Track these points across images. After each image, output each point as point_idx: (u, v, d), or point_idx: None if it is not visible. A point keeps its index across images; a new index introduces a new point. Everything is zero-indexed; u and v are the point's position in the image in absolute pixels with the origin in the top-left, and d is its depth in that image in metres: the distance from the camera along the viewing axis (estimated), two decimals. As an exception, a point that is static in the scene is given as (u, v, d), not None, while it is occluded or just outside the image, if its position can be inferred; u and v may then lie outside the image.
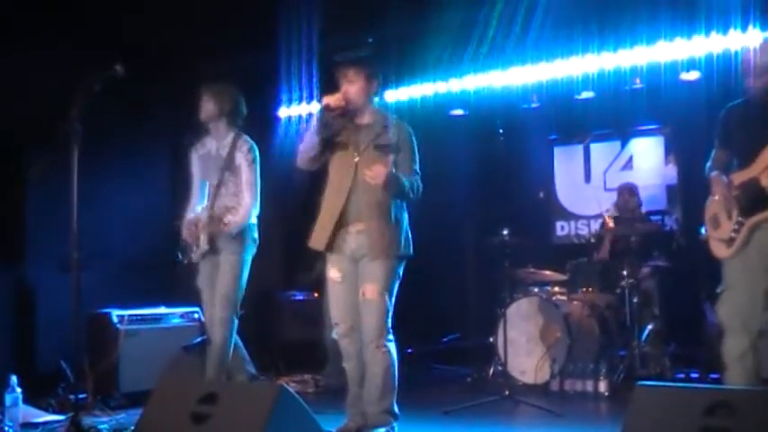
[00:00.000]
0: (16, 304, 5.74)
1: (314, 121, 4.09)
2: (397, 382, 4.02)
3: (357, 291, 4.05)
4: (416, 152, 4.17)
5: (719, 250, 3.85)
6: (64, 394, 5.01)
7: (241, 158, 4.77)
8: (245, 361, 5.03)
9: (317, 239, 4.12)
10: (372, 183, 3.89)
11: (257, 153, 4.83)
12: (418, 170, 4.15)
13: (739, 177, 3.79)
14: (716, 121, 4.04)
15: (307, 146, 4.10)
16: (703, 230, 4.03)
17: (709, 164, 4.03)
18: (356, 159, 4.04)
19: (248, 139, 4.84)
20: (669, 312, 6.18)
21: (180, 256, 4.93)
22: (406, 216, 4.15)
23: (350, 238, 4.05)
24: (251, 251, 4.84)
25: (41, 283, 5.94)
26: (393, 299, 4.03)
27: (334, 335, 4.25)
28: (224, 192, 4.78)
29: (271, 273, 4.92)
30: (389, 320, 4.00)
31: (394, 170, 3.94)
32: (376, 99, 4.23)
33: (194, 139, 5.03)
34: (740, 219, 3.74)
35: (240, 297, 4.77)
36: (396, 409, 4.03)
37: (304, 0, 6.59)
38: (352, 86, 4.06)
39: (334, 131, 4.08)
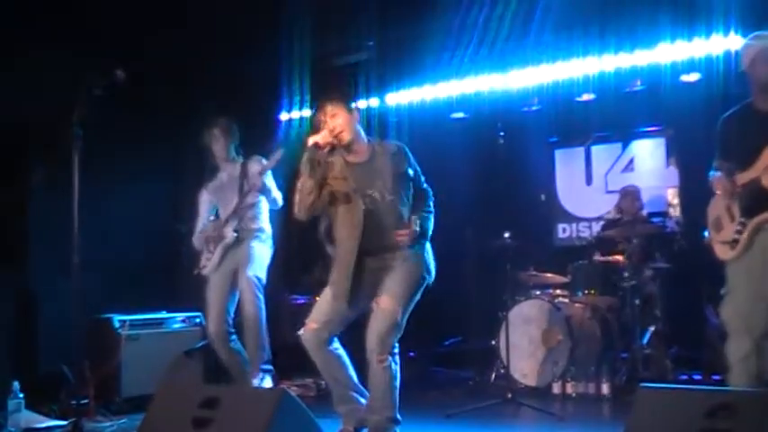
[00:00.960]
0: (18, 309, 5.74)
1: (304, 165, 3.96)
2: (397, 393, 3.97)
3: (348, 311, 3.99)
4: (416, 164, 4.15)
5: (723, 252, 3.85)
6: (66, 399, 5.00)
7: (256, 169, 5.05)
8: (245, 366, 5.11)
9: (340, 293, 4.00)
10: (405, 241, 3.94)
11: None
12: (424, 180, 4.19)
13: (741, 179, 3.80)
14: (715, 133, 4.04)
15: (303, 192, 3.98)
16: (706, 234, 4.03)
17: (712, 173, 4.03)
18: (367, 202, 3.95)
19: (254, 157, 5.20)
20: (671, 314, 6.17)
21: (187, 262, 5.32)
22: (428, 245, 4.18)
23: (373, 262, 4.00)
24: (269, 254, 5.23)
25: (43, 287, 5.94)
26: (405, 318, 3.95)
27: (301, 332, 4.11)
28: (244, 214, 5.15)
29: (271, 276, 4.92)
30: (397, 337, 3.91)
31: (417, 227, 3.98)
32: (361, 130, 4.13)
33: (204, 179, 5.37)
34: (742, 220, 3.75)
35: (265, 277, 5.11)
36: (398, 415, 4.01)
37: (305, 4, 6.60)
38: (335, 120, 3.97)
39: (326, 171, 3.98)
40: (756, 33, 4.00)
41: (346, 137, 3.97)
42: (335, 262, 4.07)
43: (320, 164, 3.94)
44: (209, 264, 5.19)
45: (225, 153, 5.28)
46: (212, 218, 5.35)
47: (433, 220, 4.16)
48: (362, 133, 4.11)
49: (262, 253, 5.19)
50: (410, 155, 4.13)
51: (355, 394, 4.08)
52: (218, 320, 5.12)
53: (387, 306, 3.87)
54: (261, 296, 5.09)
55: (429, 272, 4.13)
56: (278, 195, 5.17)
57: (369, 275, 3.99)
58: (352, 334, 4.12)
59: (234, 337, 5.19)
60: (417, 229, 3.97)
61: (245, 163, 5.22)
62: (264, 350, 5.13)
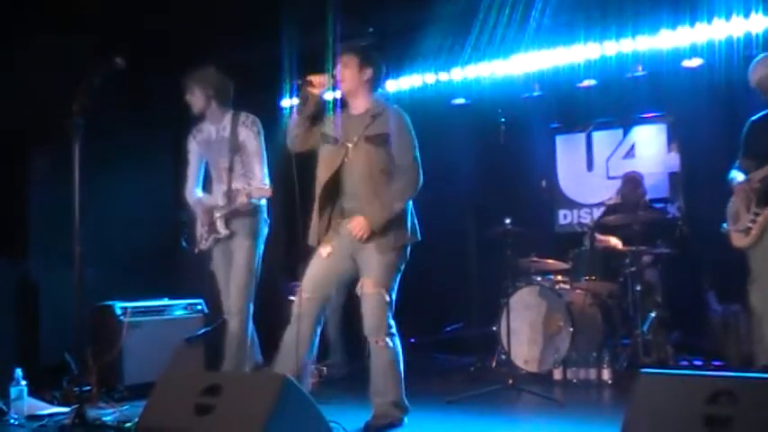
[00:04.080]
0: (20, 297, 5.74)
1: (297, 100, 4.05)
2: (402, 375, 3.99)
3: (337, 270, 4.05)
4: (415, 140, 4.08)
5: (738, 240, 3.97)
6: (68, 386, 5.02)
7: (245, 132, 4.79)
8: (253, 348, 5.02)
9: (312, 235, 4.11)
10: (357, 237, 3.90)
11: (260, 125, 4.86)
12: (418, 158, 4.06)
13: (759, 174, 3.92)
14: (740, 134, 4.22)
15: (291, 125, 4.08)
16: (725, 225, 4.12)
17: (733, 171, 4.15)
18: (347, 149, 3.98)
19: (248, 113, 4.87)
20: (672, 300, 6.18)
21: (185, 244, 4.98)
22: (409, 202, 4.08)
23: (347, 229, 4.01)
24: (263, 233, 4.90)
25: (45, 276, 5.95)
26: (394, 292, 4.00)
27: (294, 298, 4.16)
28: (234, 175, 4.82)
29: (274, 263, 4.91)
30: (390, 315, 3.96)
31: (373, 217, 3.90)
32: (378, 90, 4.15)
33: (192, 127, 5.03)
34: (757, 210, 3.85)
35: (255, 284, 4.84)
36: (405, 401, 4.02)
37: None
38: (345, 71, 4.02)
39: (317, 110, 4.02)
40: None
41: (346, 87, 4.02)
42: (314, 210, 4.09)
43: (309, 101, 3.97)
44: (211, 237, 4.91)
45: (204, 105, 4.87)
46: (200, 195, 5.01)
47: (407, 198, 4.03)
48: (372, 93, 4.10)
49: (253, 253, 4.83)
50: (412, 131, 4.08)
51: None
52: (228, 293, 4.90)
53: (370, 290, 3.93)
54: (248, 306, 4.81)
55: (410, 233, 4.07)
56: (261, 163, 4.80)
57: (344, 235, 4.01)
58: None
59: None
60: (370, 225, 3.91)
61: (235, 120, 4.83)
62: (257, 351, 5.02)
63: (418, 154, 4.08)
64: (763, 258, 3.86)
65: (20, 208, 6.07)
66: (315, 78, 3.95)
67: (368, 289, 3.93)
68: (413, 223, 4.09)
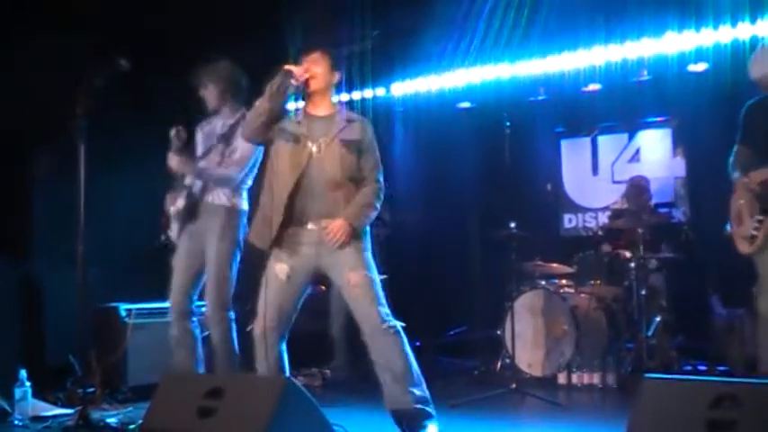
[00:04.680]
0: (24, 299, 5.75)
1: (269, 87, 3.76)
2: (416, 366, 3.73)
3: (299, 291, 3.82)
4: (377, 151, 3.93)
5: (743, 246, 3.94)
6: (72, 388, 5.02)
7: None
8: (197, 351, 4.70)
9: (260, 236, 3.84)
10: (334, 241, 3.68)
11: None
12: (380, 168, 3.91)
13: (759, 175, 3.86)
14: (738, 118, 4.10)
15: (256, 112, 3.80)
16: (728, 227, 4.09)
17: (731, 159, 4.08)
18: (312, 151, 3.77)
19: None
20: (676, 305, 6.17)
21: (162, 237, 4.77)
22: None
23: (310, 234, 3.77)
24: (239, 239, 4.56)
25: (49, 277, 5.96)
26: (378, 278, 3.78)
27: (255, 328, 3.86)
28: (210, 158, 4.60)
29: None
30: (384, 301, 3.74)
31: (351, 220, 3.72)
32: (335, 95, 4.02)
33: (202, 118, 4.87)
34: (760, 217, 3.82)
35: (231, 291, 4.54)
36: (426, 392, 3.74)
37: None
38: (314, 67, 3.83)
39: (285, 103, 3.83)
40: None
41: (314, 86, 3.84)
42: (273, 208, 3.80)
43: (282, 92, 3.77)
44: (175, 226, 4.71)
45: (217, 101, 4.71)
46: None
47: (375, 211, 3.86)
48: (334, 97, 4.02)
49: (225, 259, 4.53)
50: (370, 133, 3.92)
51: None
52: (178, 292, 4.60)
53: (360, 279, 3.70)
54: (227, 314, 4.53)
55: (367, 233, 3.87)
56: (239, 168, 4.54)
57: (307, 243, 3.78)
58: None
59: (195, 320, 4.66)
60: (351, 225, 3.72)
61: (242, 117, 4.46)
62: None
63: (380, 166, 3.92)
64: None
65: (23, 208, 6.08)
66: (295, 69, 3.78)
67: (357, 279, 3.70)
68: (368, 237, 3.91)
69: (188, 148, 4.74)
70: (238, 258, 4.59)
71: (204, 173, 4.57)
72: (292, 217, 3.78)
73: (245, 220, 4.61)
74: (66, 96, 4.17)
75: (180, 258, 4.63)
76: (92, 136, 4.16)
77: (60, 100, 4.23)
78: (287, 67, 3.77)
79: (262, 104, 3.79)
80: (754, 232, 3.85)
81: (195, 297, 4.65)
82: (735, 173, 4.05)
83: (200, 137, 4.80)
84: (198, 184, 4.62)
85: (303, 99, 3.99)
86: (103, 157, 4.69)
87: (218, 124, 4.72)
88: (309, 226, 3.78)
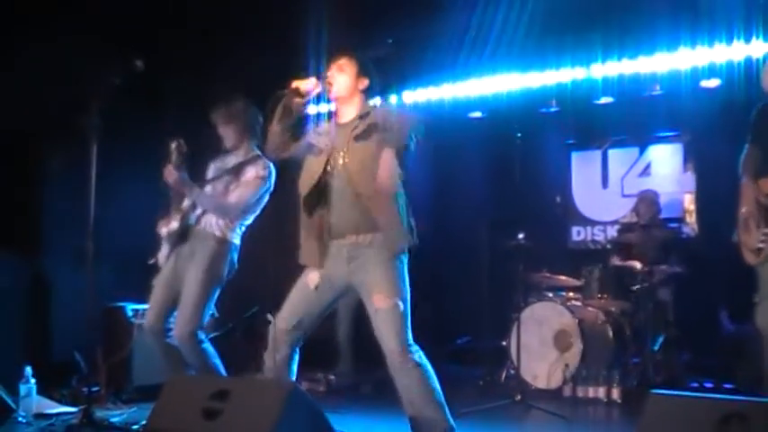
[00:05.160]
0: (32, 296, 5.77)
1: (277, 108, 3.65)
2: (439, 391, 3.58)
3: (324, 304, 3.69)
4: (413, 120, 3.75)
5: (749, 257, 3.91)
6: (77, 386, 5.04)
7: (251, 172, 4.47)
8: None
9: (306, 254, 3.69)
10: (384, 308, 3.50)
11: (272, 176, 4.47)
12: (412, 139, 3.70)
13: (766, 185, 3.82)
14: (748, 121, 4.05)
15: (271, 135, 3.70)
16: (735, 237, 4.06)
17: (742, 158, 4.03)
18: (332, 162, 3.61)
19: (268, 162, 4.45)
20: (684, 320, 6.15)
21: (152, 260, 4.67)
22: (403, 202, 3.72)
23: (341, 251, 3.62)
24: (222, 273, 4.46)
25: (57, 275, 5.97)
26: (408, 306, 3.58)
27: (271, 318, 3.76)
28: (214, 186, 4.54)
29: (281, 270, 4.74)
30: (408, 327, 3.56)
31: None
32: (368, 100, 3.80)
33: (218, 154, 4.79)
34: (766, 230, 3.78)
35: (203, 321, 4.40)
36: (450, 420, 3.62)
37: (323, 1, 6.60)
38: (340, 75, 3.69)
39: (297, 121, 3.69)
40: None
41: (335, 93, 3.69)
42: (303, 227, 3.68)
43: (291, 111, 3.64)
44: (163, 250, 4.65)
45: (237, 140, 4.60)
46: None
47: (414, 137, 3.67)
48: (364, 103, 3.77)
49: (205, 289, 4.40)
50: (392, 109, 3.84)
51: None
52: (154, 312, 4.47)
53: (385, 304, 3.51)
54: (195, 332, 4.35)
55: (409, 233, 3.69)
56: (241, 204, 4.45)
57: (336, 257, 3.63)
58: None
59: (171, 333, 4.45)
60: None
61: (252, 159, 4.51)
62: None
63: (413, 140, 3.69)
64: None
65: (33, 206, 6.10)
66: (301, 87, 3.65)
67: (382, 303, 3.51)
68: (410, 223, 3.73)
69: (188, 164, 4.63)
70: (217, 292, 4.47)
71: (204, 198, 4.47)
72: (325, 231, 3.64)
73: (234, 255, 4.52)
74: (79, 95, 4.18)
75: (162, 278, 4.52)
76: (103, 135, 4.16)
77: (73, 99, 4.25)
78: (293, 84, 3.66)
79: (273, 127, 3.68)
80: (761, 245, 3.82)
81: (171, 317, 4.49)
82: (744, 176, 4.01)
83: (211, 170, 4.71)
84: (197, 210, 4.53)
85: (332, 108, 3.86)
86: (114, 157, 4.69)
87: (231, 160, 4.64)
88: (341, 241, 3.61)
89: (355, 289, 3.66)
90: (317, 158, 3.67)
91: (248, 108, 4.66)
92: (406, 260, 3.66)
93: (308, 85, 3.66)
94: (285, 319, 3.65)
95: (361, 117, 3.67)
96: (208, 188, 4.56)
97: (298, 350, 3.73)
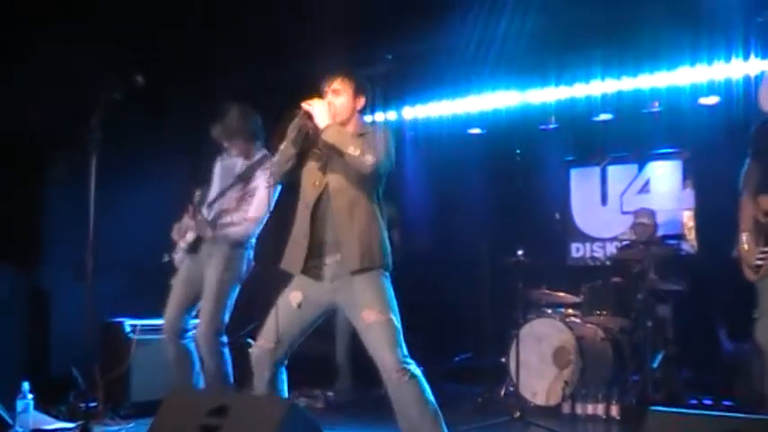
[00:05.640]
0: (31, 310, 5.76)
1: (291, 130, 3.64)
2: (434, 404, 3.54)
3: (307, 321, 3.68)
4: (391, 144, 3.67)
5: (748, 273, 3.91)
6: (75, 402, 5.03)
7: (261, 177, 4.53)
8: (193, 369, 4.68)
9: (290, 263, 3.69)
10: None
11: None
12: (383, 157, 3.58)
13: (765, 203, 3.84)
14: (748, 137, 4.08)
15: (282, 156, 3.68)
16: (734, 253, 4.06)
17: (742, 173, 4.05)
18: (324, 181, 3.63)
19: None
20: (683, 337, 6.14)
21: (166, 257, 4.81)
22: (382, 226, 3.70)
23: (327, 268, 3.63)
24: (241, 270, 4.59)
25: (56, 289, 5.97)
26: (398, 318, 3.56)
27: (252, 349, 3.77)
28: (228, 196, 4.62)
29: (279, 286, 4.75)
30: (402, 340, 3.55)
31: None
32: (366, 119, 3.83)
33: (222, 150, 4.88)
34: (765, 249, 3.80)
35: (225, 320, 4.51)
36: None
37: (323, 15, 6.62)
38: (338, 99, 3.68)
39: (310, 142, 3.69)
40: None
41: (340, 117, 3.66)
42: (298, 238, 3.68)
43: (308, 135, 3.65)
44: (180, 249, 4.74)
45: (246, 149, 4.70)
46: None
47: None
48: (362, 121, 3.80)
49: (224, 288, 4.53)
50: (378, 129, 3.73)
51: None
52: (173, 310, 4.59)
53: (377, 318, 3.50)
54: (217, 336, 4.49)
55: (383, 256, 3.64)
56: (259, 213, 4.55)
57: (324, 277, 3.64)
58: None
59: (189, 335, 4.62)
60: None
61: (260, 161, 4.58)
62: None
63: (388, 158, 3.62)
64: None
65: (34, 220, 6.10)
66: (312, 108, 3.61)
67: (373, 317, 3.50)
68: (387, 250, 3.69)
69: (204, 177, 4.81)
70: (237, 290, 4.57)
71: (226, 236, 4.54)
72: (313, 248, 3.64)
73: (251, 252, 4.64)
74: (80, 108, 4.19)
75: (180, 277, 4.65)
76: (103, 147, 4.17)
77: (74, 111, 4.26)
78: (305, 108, 3.62)
79: (287, 149, 3.67)
80: (759, 263, 3.83)
81: (190, 317, 4.64)
82: (744, 191, 4.02)
83: (218, 169, 4.79)
84: (212, 214, 4.62)
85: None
86: (115, 169, 4.71)
87: (239, 162, 4.72)
88: (326, 260, 3.63)
89: (339, 307, 3.67)
90: (312, 177, 3.68)
91: (245, 116, 4.70)
92: (388, 275, 3.66)
93: (317, 106, 3.62)
94: (267, 337, 3.65)
95: (360, 135, 3.65)
96: (222, 203, 4.61)
97: (284, 369, 3.72)
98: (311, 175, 3.69)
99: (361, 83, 3.77)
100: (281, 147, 3.70)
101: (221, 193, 4.65)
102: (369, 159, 3.51)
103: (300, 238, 3.66)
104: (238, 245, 4.57)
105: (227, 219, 4.58)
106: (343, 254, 3.57)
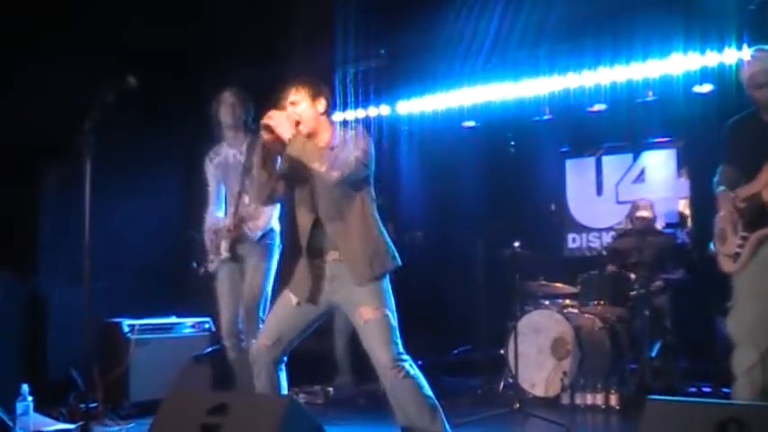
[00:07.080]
0: (28, 313, 5.75)
1: (257, 152, 3.63)
2: (433, 398, 3.57)
3: (307, 320, 3.70)
4: (371, 149, 3.65)
5: (726, 265, 3.90)
6: (74, 403, 5.03)
7: None
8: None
9: (297, 288, 3.70)
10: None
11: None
12: (362, 159, 3.58)
13: (744, 192, 3.84)
14: (721, 138, 4.07)
15: (258, 183, 3.69)
16: (712, 246, 4.06)
17: (716, 179, 4.06)
18: (315, 185, 3.62)
19: None
20: (681, 326, 6.15)
21: (196, 264, 4.95)
22: (382, 229, 3.71)
23: (325, 268, 3.65)
24: (274, 258, 4.81)
25: (54, 291, 5.97)
26: (395, 316, 3.59)
27: (252, 346, 3.83)
28: (243, 201, 4.74)
29: (279, 283, 4.81)
30: (398, 338, 3.57)
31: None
32: (349, 115, 3.82)
33: (207, 148, 4.99)
34: (744, 234, 3.79)
35: (265, 306, 4.69)
36: (446, 427, 3.62)
37: (317, 12, 6.62)
38: (298, 108, 3.63)
39: (276, 155, 3.65)
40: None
41: (305, 129, 3.60)
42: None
43: (271, 153, 3.62)
44: (216, 259, 4.87)
45: (233, 123, 4.80)
46: (220, 216, 4.93)
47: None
48: (330, 123, 3.75)
49: (263, 276, 4.74)
50: (370, 143, 3.67)
51: None
52: (228, 320, 4.82)
53: (373, 315, 3.52)
54: (259, 326, 4.62)
55: (393, 258, 3.68)
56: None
57: (323, 277, 3.66)
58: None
59: (243, 337, 4.82)
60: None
61: (254, 140, 4.51)
62: None
63: (366, 166, 3.61)
64: (747, 284, 3.81)
65: (29, 223, 6.10)
66: (271, 120, 3.55)
67: (370, 314, 3.52)
68: (388, 250, 3.70)
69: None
70: (273, 273, 4.79)
71: (255, 230, 4.73)
72: (312, 249, 3.67)
73: (278, 239, 4.84)
74: (74, 112, 4.19)
75: (223, 287, 4.85)
76: (98, 151, 4.17)
77: (68, 115, 4.25)
78: (265, 122, 3.56)
79: (259, 175, 3.67)
80: (738, 249, 3.83)
81: (239, 317, 4.83)
82: (719, 188, 4.03)
83: (210, 169, 4.93)
84: (242, 215, 4.76)
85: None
86: (111, 173, 4.72)
87: (229, 154, 4.84)
88: (324, 259, 3.66)
89: (338, 307, 3.70)
90: (304, 183, 3.68)
91: (246, 94, 4.89)
92: (388, 282, 3.67)
93: (278, 117, 3.57)
94: (266, 335, 3.68)
95: (332, 148, 3.61)
96: (246, 207, 4.73)
97: (283, 366, 3.73)
98: (303, 204, 3.69)
99: (316, 86, 3.72)
100: (254, 172, 3.72)
101: (239, 195, 4.75)
102: (333, 175, 3.50)
103: (302, 268, 3.70)
104: (265, 236, 4.76)
105: (252, 223, 4.73)
106: (351, 267, 3.58)
